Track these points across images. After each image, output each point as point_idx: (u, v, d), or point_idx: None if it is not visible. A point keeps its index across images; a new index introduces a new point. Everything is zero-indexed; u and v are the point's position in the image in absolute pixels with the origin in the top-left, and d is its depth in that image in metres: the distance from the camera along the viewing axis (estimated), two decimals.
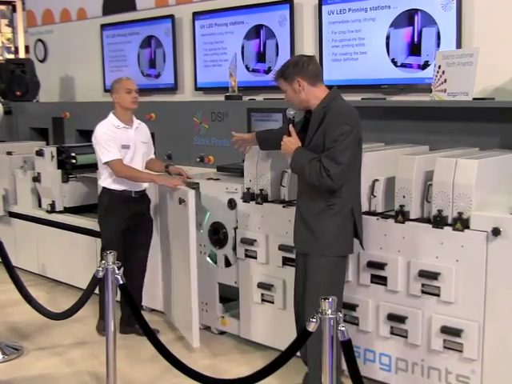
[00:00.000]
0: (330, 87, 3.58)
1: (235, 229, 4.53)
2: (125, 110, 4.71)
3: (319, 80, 3.56)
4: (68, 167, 6.07)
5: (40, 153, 6.10)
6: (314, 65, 3.55)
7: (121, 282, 3.54)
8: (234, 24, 5.96)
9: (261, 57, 5.80)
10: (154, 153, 5.08)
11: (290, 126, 3.59)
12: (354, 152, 3.41)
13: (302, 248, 3.68)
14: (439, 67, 4.14)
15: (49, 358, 4.51)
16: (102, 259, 3.70)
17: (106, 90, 7.51)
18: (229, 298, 4.86)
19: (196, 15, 6.30)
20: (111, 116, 4.72)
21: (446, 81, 4.09)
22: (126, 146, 4.67)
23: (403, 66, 4.78)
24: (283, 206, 4.19)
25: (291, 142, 3.56)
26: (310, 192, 3.56)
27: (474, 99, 4.01)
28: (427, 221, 3.58)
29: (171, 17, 6.57)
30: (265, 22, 5.69)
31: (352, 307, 3.85)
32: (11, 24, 11.79)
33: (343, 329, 2.69)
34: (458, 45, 4.42)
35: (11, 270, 4.56)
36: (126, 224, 4.69)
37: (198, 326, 4.33)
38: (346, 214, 3.51)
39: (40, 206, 6.31)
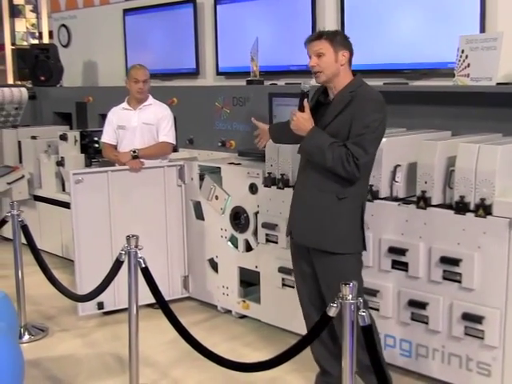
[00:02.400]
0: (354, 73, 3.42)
1: (256, 213, 4.54)
2: (132, 96, 5.13)
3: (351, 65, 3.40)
4: (91, 151, 6.12)
5: (64, 137, 6.16)
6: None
7: (143, 265, 3.57)
8: (256, 8, 5.93)
9: None
10: (176, 138, 5.17)
11: (305, 100, 3.32)
12: (379, 143, 3.28)
13: (307, 242, 3.41)
14: (462, 51, 4.09)
15: (73, 339, 4.58)
16: None
17: None
18: (249, 282, 4.89)
19: None
20: (126, 99, 5.20)
21: (469, 65, 4.05)
22: (121, 127, 5.13)
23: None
24: None
25: (304, 119, 3.29)
26: (319, 181, 3.31)
27: (498, 84, 3.96)
28: (449, 207, 3.56)
29: (193, 1, 6.56)
30: (287, 6, 5.66)
31: (373, 293, 3.85)
32: (35, 10, 11.88)
33: (364, 314, 2.69)
34: (482, 29, 4.36)
35: (36, 253, 4.64)
36: None
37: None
38: (356, 208, 3.32)
39: (64, 189, 6.36)
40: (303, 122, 3.30)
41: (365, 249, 3.43)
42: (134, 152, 4.94)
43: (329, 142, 3.20)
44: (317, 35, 3.33)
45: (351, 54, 3.35)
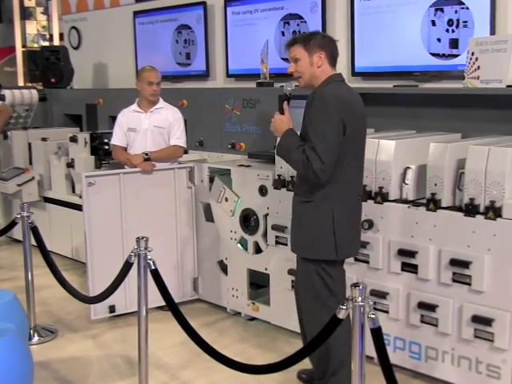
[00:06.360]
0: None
1: (266, 215, 4.55)
2: (144, 99, 5.09)
3: (335, 64, 3.36)
4: (101, 153, 6.14)
5: (74, 139, 6.18)
6: (336, 47, 3.37)
7: (153, 267, 3.58)
8: (266, 11, 5.94)
9: None
10: (186, 140, 5.18)
11: (285, 103, 3.36)
12: (333, 145, 3.12)
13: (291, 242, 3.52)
14: (472, 54, 4.09)
15: (82, 341, 4.59)
16: None
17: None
18: (259, 284, 4.89)
19: (228, 2, 6.29)
20: (136, 101, 5.18)
21: (479, 68, 4.04)
22: (131, 129, 5.11)
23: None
24: None
25: (282, 121, 3.30)
26: (297, 183, 3.42)
27: (508, 86, 3.95)
28: (459, 209, 3.55)
29: (203, 4, 6.58)
30: (296, 9, 5.66)
31: (382, 295, 3.85)
32: (46, 12, 11.94)
33: (373, 316, 2.69)
34: (492, 31, 4.35)
35: (46, 254, 4.65)
36: None
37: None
38: (324, 214, 3.23)
39: (74, 191, 6.39)
40: (280, 123, 3.32)
41: (337, 256, 3.30)
42: (146, 154, 4.95)
43: (296, 144, 3.20)
44: (291, 41, 3.37)
45: (330, 54, 3.31)
